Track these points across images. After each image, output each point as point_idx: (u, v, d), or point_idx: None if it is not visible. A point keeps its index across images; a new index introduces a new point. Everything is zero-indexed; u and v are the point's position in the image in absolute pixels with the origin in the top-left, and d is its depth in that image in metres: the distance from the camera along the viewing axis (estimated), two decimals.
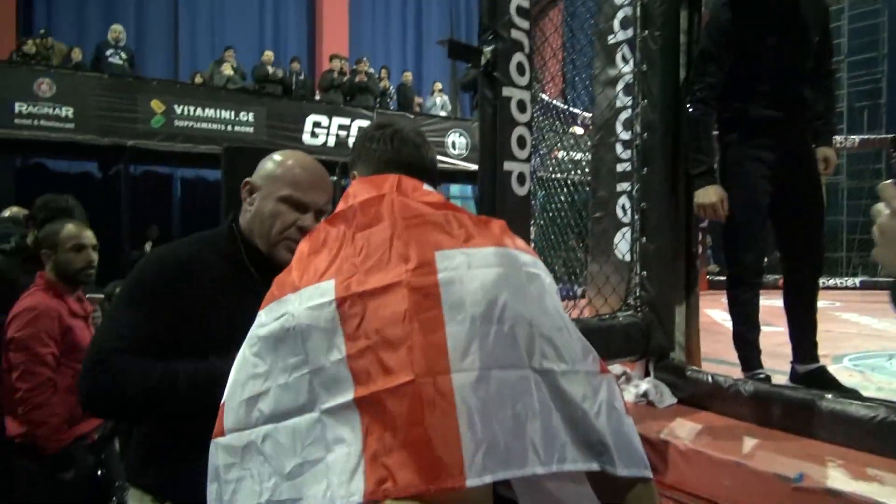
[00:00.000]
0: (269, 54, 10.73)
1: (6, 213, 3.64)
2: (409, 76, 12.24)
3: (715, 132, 2.45)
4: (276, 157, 1.45)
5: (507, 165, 1.97)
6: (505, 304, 0.96)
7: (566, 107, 3.56)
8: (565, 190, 3.32)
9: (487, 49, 1.98)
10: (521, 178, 1.99)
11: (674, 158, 2.40)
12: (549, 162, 3.34)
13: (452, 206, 1.10)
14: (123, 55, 9.58)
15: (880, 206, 0.84)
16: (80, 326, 2.43)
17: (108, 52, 9.46)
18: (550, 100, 3.38)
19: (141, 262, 1.39)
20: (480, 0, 2.03)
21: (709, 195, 2.25)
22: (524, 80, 2.01)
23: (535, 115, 2.97)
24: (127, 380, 1.23)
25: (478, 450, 0.87)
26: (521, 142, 1.99)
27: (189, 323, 1.30)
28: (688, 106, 2.32)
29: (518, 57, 1.99)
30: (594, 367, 1.04)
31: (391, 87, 11.71)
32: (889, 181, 0.83)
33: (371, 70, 11.32)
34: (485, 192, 2.02)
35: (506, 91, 1.97)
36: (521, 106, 2.00)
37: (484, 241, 1.02)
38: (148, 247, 9.14)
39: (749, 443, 1.91)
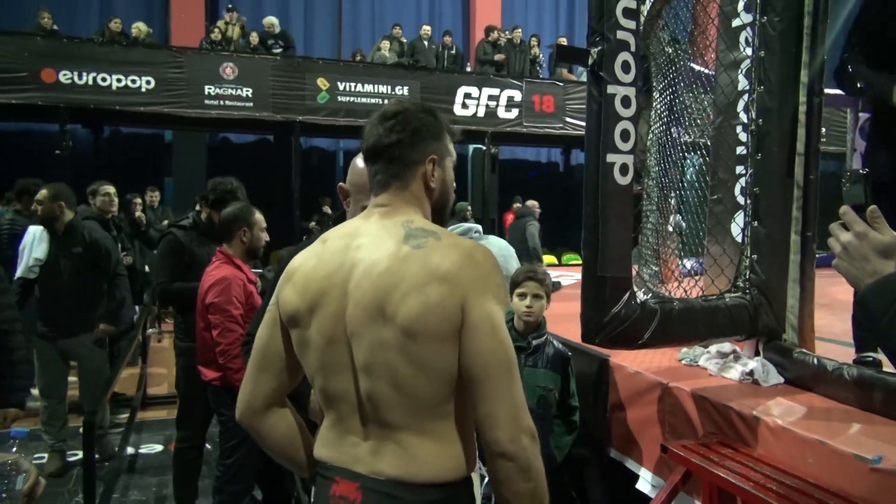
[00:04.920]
0: (426, 29, 11.22)
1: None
2: (561, 42, 12.18)
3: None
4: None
5: (610, 157, 2.12)
6: None
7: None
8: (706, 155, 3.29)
9: (594, 50, 2.13)
10: (624, 169, 2.14)
11: (790, 144, 2.42)
12: (695, 126, 3.31)
13: None
14: (281, 42, 10.53)
15: (839, 227, 0.98)
16: (255, 292, 2.93)
17: (269, 42, 10.47)
18: (701, 68, 3.36)
19: None
20: (589, 2, 2.17)
21: None
22: (629, 78, 2.14)
23: (682, 80, 3.07)
24: None
25: None
26: (625, 135, 2.14)
27: None
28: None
29: (624, 56, 2.12)
30: None
31: (541, 56, 11.74)
32: (846, 206, 0.96)
33: (522, 38, 11.44)
34: (589, 180, 2.19)
35: (610, 89, 2.11)
36: (626, 102, 2.13)
37: None
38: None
39: (840, 424, 1.98)
